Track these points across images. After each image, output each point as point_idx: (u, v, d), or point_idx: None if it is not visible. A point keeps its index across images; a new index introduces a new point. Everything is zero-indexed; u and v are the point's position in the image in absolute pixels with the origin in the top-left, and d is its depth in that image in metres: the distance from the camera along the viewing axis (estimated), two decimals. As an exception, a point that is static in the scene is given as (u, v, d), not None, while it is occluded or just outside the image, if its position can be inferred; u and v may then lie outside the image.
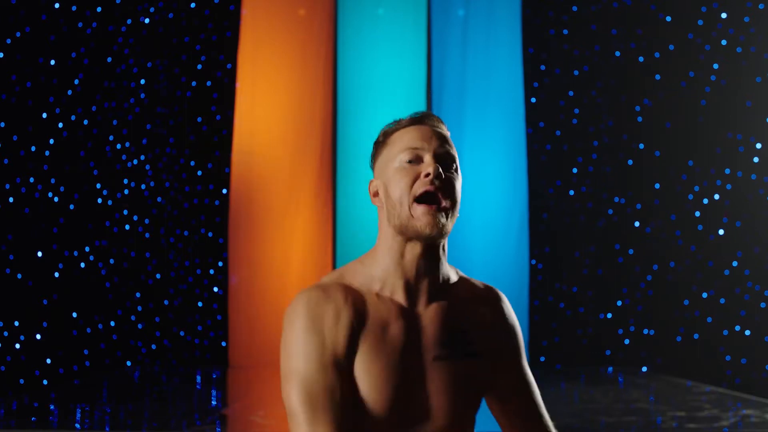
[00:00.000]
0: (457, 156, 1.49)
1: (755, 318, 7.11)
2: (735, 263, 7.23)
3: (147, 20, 7.35)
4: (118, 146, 7.29)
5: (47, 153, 6.73)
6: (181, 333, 7.27)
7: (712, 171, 7.37)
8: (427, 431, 1.40)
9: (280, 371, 1.40)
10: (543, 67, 7.61)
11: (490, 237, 7.24)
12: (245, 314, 7.07)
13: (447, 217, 1.42)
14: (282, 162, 7.22)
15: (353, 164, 7.19)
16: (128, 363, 7.13)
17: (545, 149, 7.55)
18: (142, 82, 7.39)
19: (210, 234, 7.39)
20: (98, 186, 7.14)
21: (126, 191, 7.31)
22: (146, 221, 7.36)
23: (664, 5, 7.48)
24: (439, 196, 1.41)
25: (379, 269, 1.45)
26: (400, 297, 1.44)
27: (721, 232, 7.30)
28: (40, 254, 6.58)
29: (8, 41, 6.51)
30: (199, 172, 7.42)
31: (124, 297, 7.22)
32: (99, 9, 7.10)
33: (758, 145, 7.25)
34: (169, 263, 7.35)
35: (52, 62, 6.80)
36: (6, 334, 6.25)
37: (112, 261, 7.18)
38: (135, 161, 7.36)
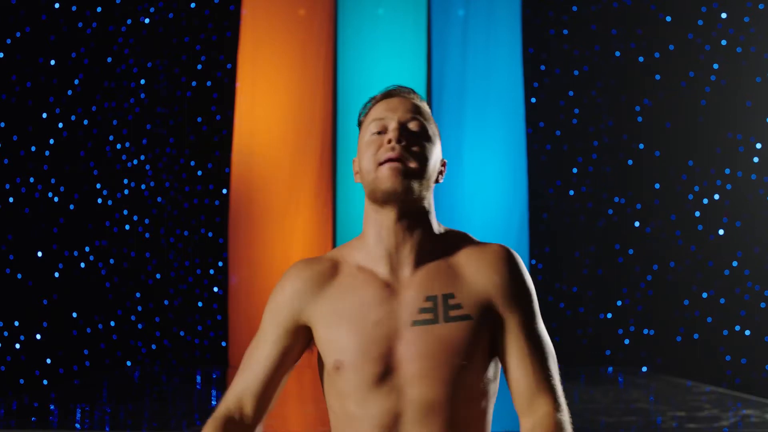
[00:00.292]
0: (429, 122, 1.49)
1: (755, 318, 7.11)
2: (735, 263, 7.23)
3: (147, 20, 7.34)
4: (118, 146, 7.29)
5: (47, 153, 6.73)
6: (181, 333, 7.27)
7: (712, 171, 7.37)
8: (409, 401, 1.38)
9: None
10: (543, 67, 7.61)
11: (490, 237, 7.21)
12: (245, 314, 7.07)
13: (414, 178, 1.42)
14: (282, 162, 7.22)
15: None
16: (128, 363, 7.12)
17: (545, 149, 7.55)
18: (142, 82, 7.39)
19: (210, 234, 7.39)
20: (98, 186, 7.14)
21: (126, 191, 7.31)
22: (146, 221, 7.36)
23: (664, 5, 7.48)
24: (402, 159, 1.42)
25: (364, 243, 1.48)
26: (381, 268, 1.45)
27: (721, 232, 7.30)
28: (40, 254, 6.58)
29: (8, 41, 6.51)
30: (199, 172, 7.42)
31: (124, 297, 7.22)
32: (99, 9, 7.10)
33: (758, 145, 7.25)
34: (169, 263, 7.35)
35: (52, 62, 6.80)
36: (6, 334, 6.25)
37: (112, 261, 7.18)
38: (135, 161, 7.36)
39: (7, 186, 6.46)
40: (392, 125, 1.45)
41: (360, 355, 1.38)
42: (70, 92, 6.90)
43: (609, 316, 7.40)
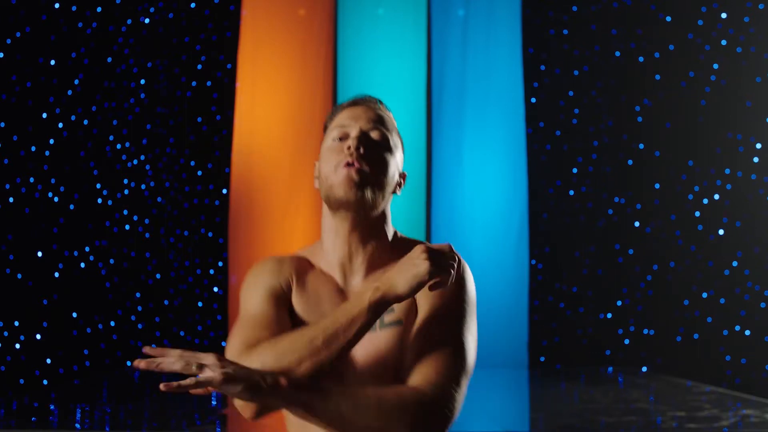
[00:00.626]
0: (391, 133, 1.51)
1: (755, 318, 7.11)
2: (735, 263, 7.23)
3: (147, 20, 7.35)
4: (118, 146, 7.29)
5: (47, 153, 6.73)
6: (181, 333, 7.27)
7: (712, 171, 7.37)
8: None
9: None
10: (543, 67, 7.61)
11: (490, 237, 7.24)
12: (245, 314, 7.06)
13: (370, 186, 1.43)
14: (282, 162, 7.22)
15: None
16: (128, 363, 7.13)
17: (545, 149, 7.56)
18: (142, 82, 7.39)
19: (210, 234, 7.39)
20: (98, 186, 7.14)
21: (126, 191, 7.30)
22: (146, 221, 7.36)
23: (664, 5, 7.48)
24: (359, 166, 1.43)
25: (322, 248, 1.52)
26: (336, 275, 1.49)
27: (721, 232, 7.30)
28: (40, 254, 6.58)
29: (8, 41, 6.51)
30: (199, 172, 7.43)
31: (124, 297, 7.22)
32: (99, 9, 7.09)
33: (758, 145, 7.25)
34: (169, 263, 7.35)
35: (52, 62, 6.80)
36: (6, 334, 6.25)
37: (112, 261, 7.18)
38: (135, 161, 7.36)
39: (7, 186, 6.45)
40: (353, 133, 1.48)
41: None
42: (70, 92, 6.90)
43: (609, 316, 7.40)
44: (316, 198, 7.26)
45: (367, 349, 1.42)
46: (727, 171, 7.33)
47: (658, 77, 7.49)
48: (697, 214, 7.36)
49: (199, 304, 7.31)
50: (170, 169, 7.41)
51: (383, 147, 1.48)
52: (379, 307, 1.34)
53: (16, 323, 6.33)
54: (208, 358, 1.27)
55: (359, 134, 1.47)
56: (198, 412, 4.88)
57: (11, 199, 6.46)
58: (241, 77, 7.30)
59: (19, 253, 6.43)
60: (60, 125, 6.84)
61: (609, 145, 7.57)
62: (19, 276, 6.40)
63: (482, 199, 7.27)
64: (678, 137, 7.45)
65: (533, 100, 7.56)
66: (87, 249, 6.99)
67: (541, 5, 7.59)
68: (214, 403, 5.36)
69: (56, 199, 6.78)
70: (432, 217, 7.25)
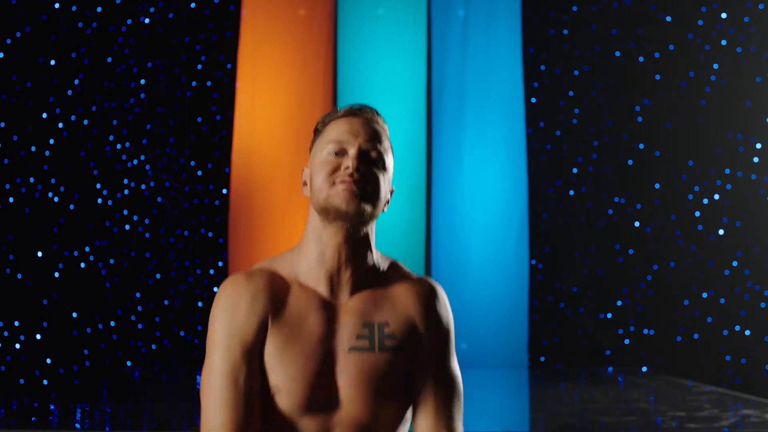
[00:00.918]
0: (387, 152, 1.50)
1: (755, 318, 7.11)
2: (735, 263, 7.23)
3: (147, 20, 7.34)
4: (118, 146, 7.29)
5: (47, 153, 6.73)
6: (181, 333, 7.27)
7: (712, 171, 7.37)
8: (337, 421, 1.42)
9: None
10: (543, 67, 7.61)
11: (490, 237, 7.24)
12: (245, 314, 7.06)
13: (367, 202, 1.43)
14: (282, 162, 7.22)
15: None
16: (128, 363, 7.12)
17: (545, 149, 7.55)
18: (142, 82, 7.39)
19: (210, 234, 7.39)
20: (98, 186, 7.14)
21: (126, 191, 7.30)
22: (146, 221, 7.36)
23: (664, 5, 7.48)
24: (358, 187, 1.43)
25: (305, 259, 1.48)
26: (322, 288, 1.47)
27: (721, 232, 7.30)
28: (40, 254, 6.58)
29: (8, 41, 6.51)
30: (199, 172, 7.42)
31: (124, 297, 7.22)
32: (99, 9, 7.10)
33: (758, 145, 7.25)
34: (169, 263, 7.35)
35: (52, 62, 6.80)
36: (6, 334, 6.25)
37: (112, 261, 7.18)
38: (135, 161, 7.36)
39: (7, 186, 6.46)
40: (352, 151, 1.46)
41: (300, 381, 1.41)
42: (70, 92, 6.90)
43: (609, 316, 7.40)
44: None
45: (363, 368, 1.43)
46: (727, 171, 7.33)
47: (658, 77, 7.49)
48: (697, 214, 7.36)
49: (199, 304, 7.31)
50: (170, 169, 7.41)
51: (380, 167, 1.47)
52: None
53: (16, 323, 6.34)
54: None
55: (358, 154, 1.45)
56: (198, 412, 4.87)
57: (11, 199, 6.46)
58: (241, 77, 7.30)
59: (19, 253, 6.44)
60: (60, 125, 6.84)
61: (609, 145, 7.57)
62: (19, 276, 6.41)
63: (482, 199, 7.27)
64: (678, 137, 7.45)
65: (533, 100, 7.56)
66: (87, 249, 6.99)
67: (541, 5, 7.59)
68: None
69: (56, 199, 6.78)
70: (432, 217, 7.25)
